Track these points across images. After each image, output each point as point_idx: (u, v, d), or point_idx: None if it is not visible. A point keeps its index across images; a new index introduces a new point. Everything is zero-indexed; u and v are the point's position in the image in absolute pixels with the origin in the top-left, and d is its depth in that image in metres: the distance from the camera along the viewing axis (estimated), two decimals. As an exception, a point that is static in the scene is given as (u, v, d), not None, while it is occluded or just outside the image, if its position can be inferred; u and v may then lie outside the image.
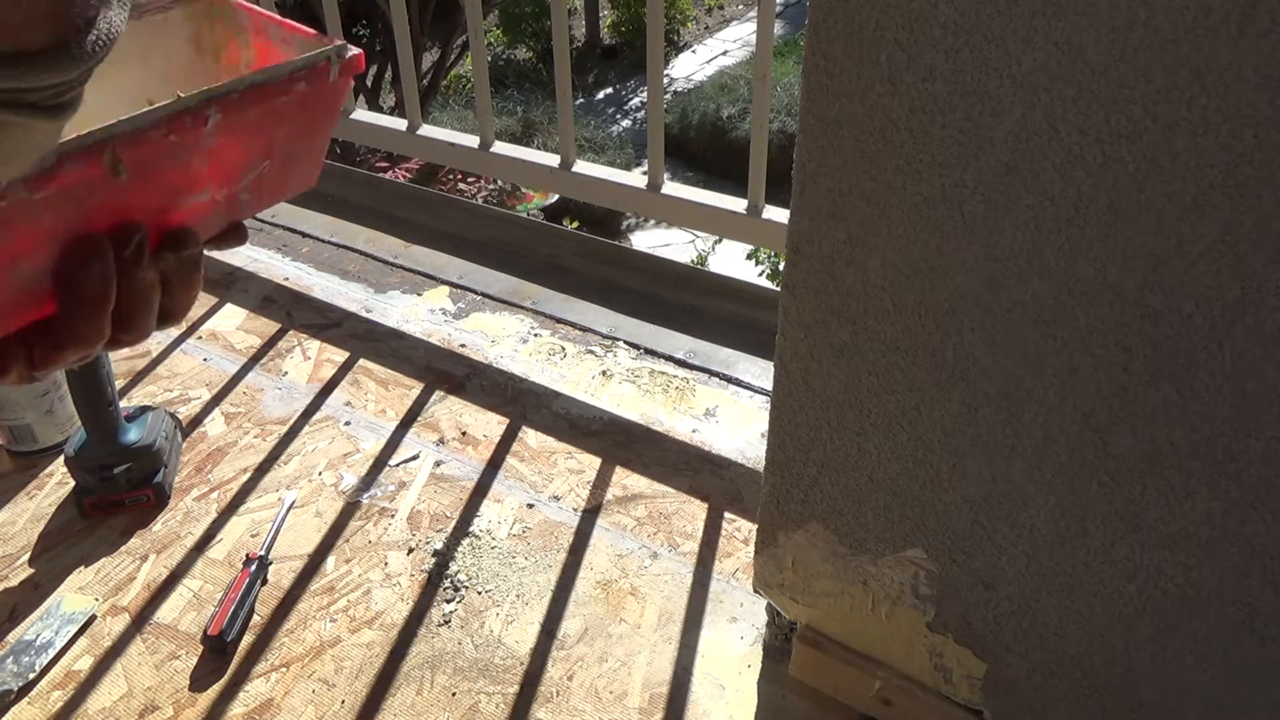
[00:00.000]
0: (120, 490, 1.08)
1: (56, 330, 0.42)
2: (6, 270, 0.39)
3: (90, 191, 0.40)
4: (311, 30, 0.56)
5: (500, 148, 1.54)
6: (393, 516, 1.10)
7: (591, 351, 1.38)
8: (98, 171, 0.39)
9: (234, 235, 0.50)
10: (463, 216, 1.72)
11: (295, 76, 0.46)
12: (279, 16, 0.60)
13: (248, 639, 0.96)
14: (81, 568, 1.04)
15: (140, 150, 0.40)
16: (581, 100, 9.74)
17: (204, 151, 0.44)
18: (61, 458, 1.13)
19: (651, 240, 7.68)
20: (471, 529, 1.08)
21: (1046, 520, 0.66)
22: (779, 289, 0.73)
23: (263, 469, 1.17)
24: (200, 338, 1.42)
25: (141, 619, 0.98)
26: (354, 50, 0.49)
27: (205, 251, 0.47)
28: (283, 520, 1.09)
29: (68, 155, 0.38)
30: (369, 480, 1.15)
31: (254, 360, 1.37)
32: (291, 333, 1.43)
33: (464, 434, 1.23)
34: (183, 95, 0.42)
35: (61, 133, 0.34)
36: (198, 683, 0.92)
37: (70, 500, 1.11)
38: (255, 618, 0.98)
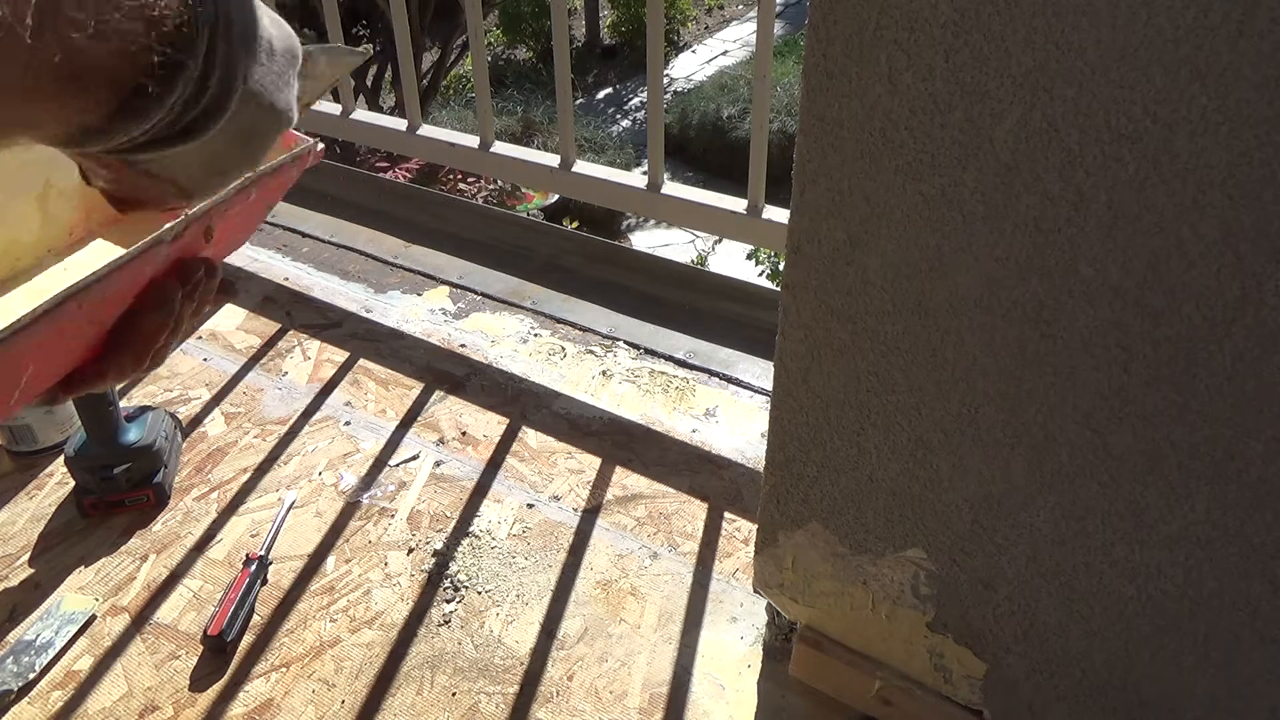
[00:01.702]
0: (120, 490, 1.08)
1: (103, 362, 0.46)
2: (112, 316, 0.45)
3: (183, 251, 0.48)
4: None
5: (500, 148, 1.54)
6: (393, 516, 1.10)
7: (591, 351, 1.38)
8: (198, 236, 0.49)
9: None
10: (463, 216, 1.72)
11: (301, 159, 0.58)
12: None
13: (248, 639, 0.96)
14: (81, 568, 1.04)
15: (221, 217, 0.50)
16: (581, 100, 9.74)
17: (232, 216, 0.53)
18: (61, 458, 1.14)
19: (651, 240, 7.68)
20: (471, 529, 1.08)
21: (1046, 520, 0.66)
22: (779, 289, 0.73)
23: (263, 469, 1.17)
24: (200, 338, 1.42)
25: (141, 619, 0.98)
26: (321, 146, 0.60)
27: None
28: (283, 520, 1.09)
29: (192, 219, 0.46)
30: (369, 480, 1.15)
31: (254, 360, 1.37)
32: (291, 333, 1.43)
33: (464, 434, 1.23)
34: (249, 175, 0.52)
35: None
36: (198, 683, 0.92)
37: (70, 500, 1.11)
38: (255, 618, 0.98)
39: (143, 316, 0.46)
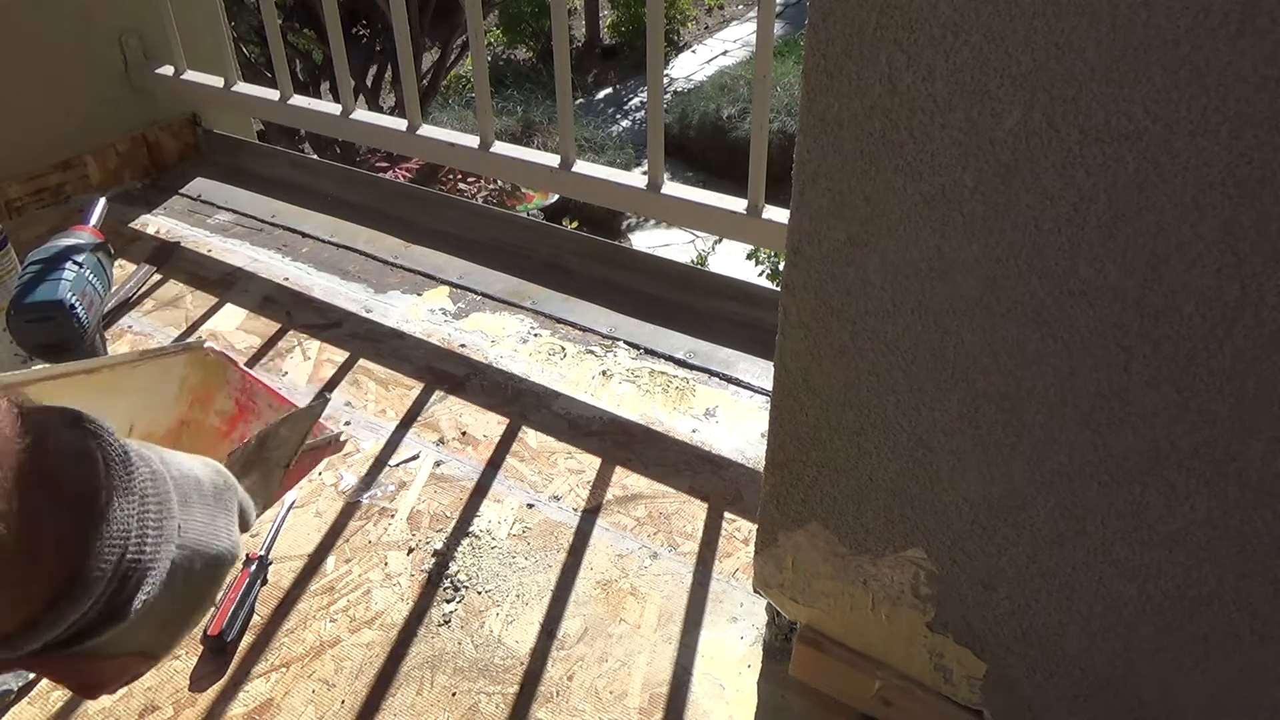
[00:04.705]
0: (120, 490, 1.08)
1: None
2: None
3: None
4: (292, 402, 0.76)
5: (500, 148, 1.54)
6: (393, 516, 1.10)
7: (591, 351, 1.38)
8: None
9: None
10: (463, 216, 1.72)
11: (322, 451, 0.72)
12: (271, 387, 0.81)
13: (248, 639, 0.96)
14: (81, 568, 1.04)
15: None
16: (581, 100, 9.74)
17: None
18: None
19: (651, 240, 7.68)
20: (471, 529, 1.08)
21: (1046, 520, 0.66)
22: (779, 289, 0.73)
23: (263, 469, 1.17)
24: (200, 338, 1.42)
25: (141, 619, 0.98)
26: (345, 437, 0.69)
27: None
28: (283, 520, 1.09)
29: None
30: (369, 480, 1.15)
31: (254, 360, 1.37)
32: (291, 333, 1.43)
33: (464, 434, 1.23)
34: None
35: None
36: (198, 683, 0.92)
37: (70, 500, 1.11)
38: (255, 618, 0.98)
39: None
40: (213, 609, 0.96)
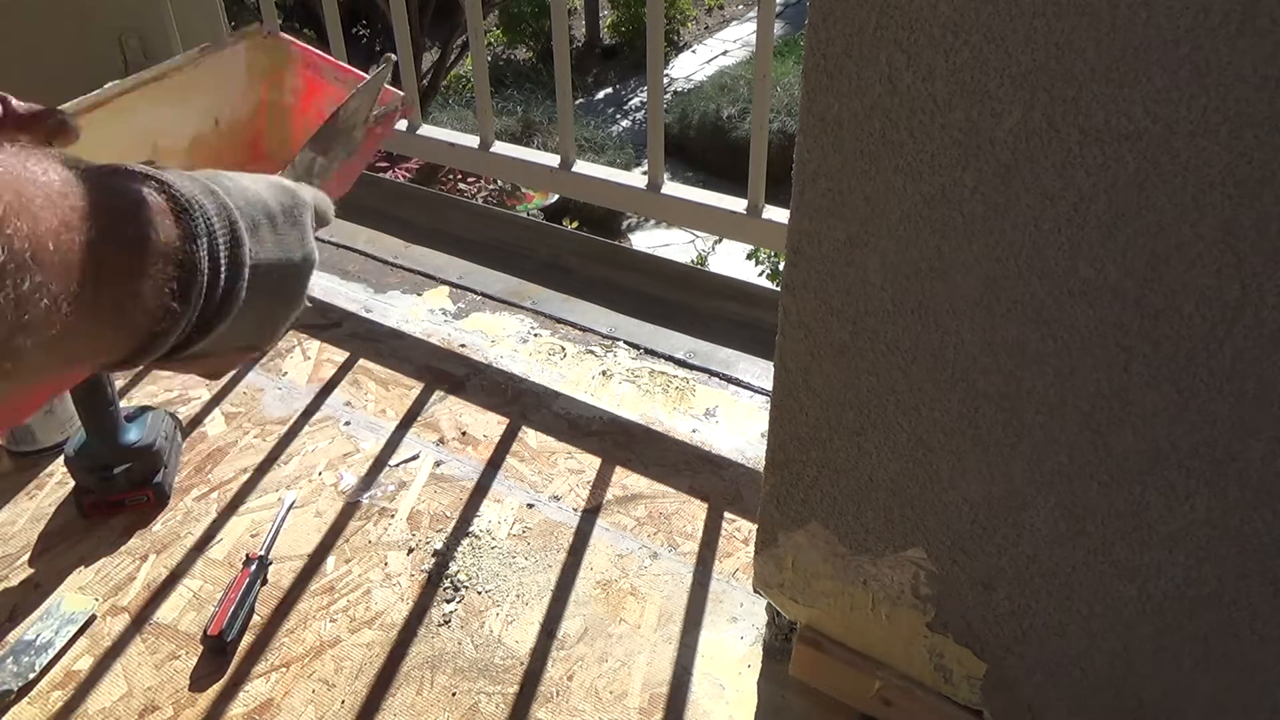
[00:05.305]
0: (120, 490, 1.08)
1: None
2: None
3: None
4: (355, 71, 0.82)
5: (500, 148, 1.54)
6: (393, 516, 1.10)
7: (591, 351, 1.38)
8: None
9: None
10: (463, 216, 1.72)
11: (391, 116, 0.73)
12: (331, 57, 0.86)
13: (248, 639, 0.96)
14: (81, 568, 1.04)
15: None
16: (581, 100, 9.74)
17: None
18: (61, 458, 1.13)
19: (651, 240, 7.67)
20: (471, 529, 1.08)
21: (1046, 520, 0.66)
22: (779, 289, 0.73)
23: (263, 469, 1.17)
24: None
25: (141, 619, 0.98)
26: (405, 97, 0.76)
27: None
28: (283, 520, 1.09)
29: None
30: (369, 480, 1.15)
31: (252, 361, 1.37)
32: (291, 332, 1.43)
33: (464, 434, 1.23)
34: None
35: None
36: (198, 683, 0.92)
37: (70, 500, 1.11)
38: (255, 618, 0.98)
39: None
40: (213, 608, 0.96)
